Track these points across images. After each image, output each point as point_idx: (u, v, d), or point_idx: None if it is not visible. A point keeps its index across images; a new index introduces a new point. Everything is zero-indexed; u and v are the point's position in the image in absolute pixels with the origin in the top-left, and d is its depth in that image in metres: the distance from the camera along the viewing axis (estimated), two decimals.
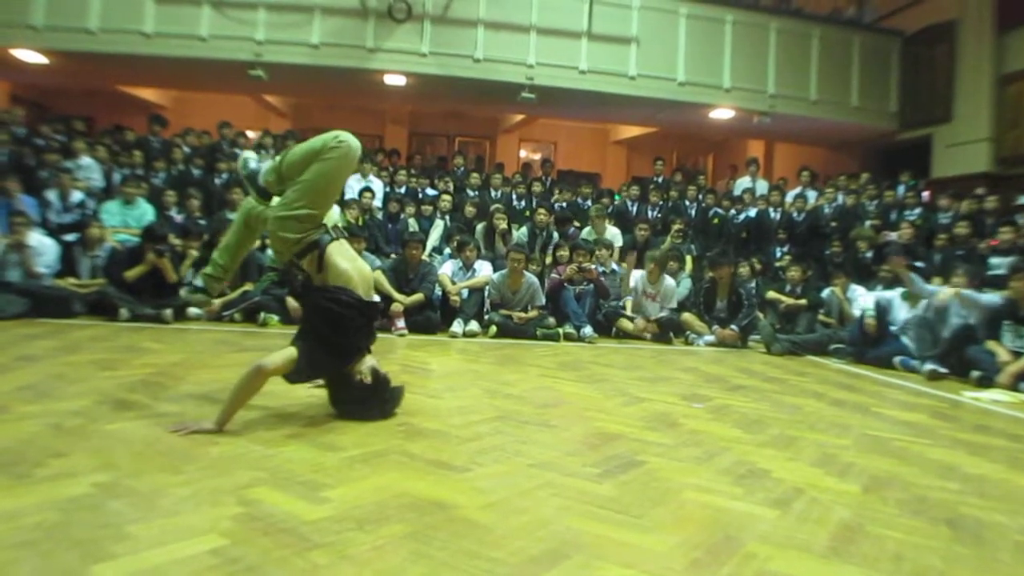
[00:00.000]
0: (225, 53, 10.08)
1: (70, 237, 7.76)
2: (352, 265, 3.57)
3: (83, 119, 11.03)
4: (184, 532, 2.09)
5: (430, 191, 10.16)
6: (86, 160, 9.05)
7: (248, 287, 7.38)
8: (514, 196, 10.30)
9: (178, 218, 8.56)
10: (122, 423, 3.25)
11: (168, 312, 6.81)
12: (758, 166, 12.28)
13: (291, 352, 3.32)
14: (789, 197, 10.60)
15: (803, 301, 7.70)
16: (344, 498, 2.43)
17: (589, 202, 10.25)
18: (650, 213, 10.26)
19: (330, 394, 3.67)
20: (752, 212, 10.60)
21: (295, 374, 3.34)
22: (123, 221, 8.18)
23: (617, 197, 10.91)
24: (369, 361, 3.59)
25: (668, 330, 7.60)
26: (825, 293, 7.84)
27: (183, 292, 6.87)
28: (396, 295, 7.13)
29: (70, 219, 8.12)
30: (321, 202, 3.57)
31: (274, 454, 2.88)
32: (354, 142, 3.52)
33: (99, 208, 8.34)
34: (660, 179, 11.55)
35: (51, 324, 6.33)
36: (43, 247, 7.23)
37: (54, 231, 7.86)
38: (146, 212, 8.37)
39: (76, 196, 8.31)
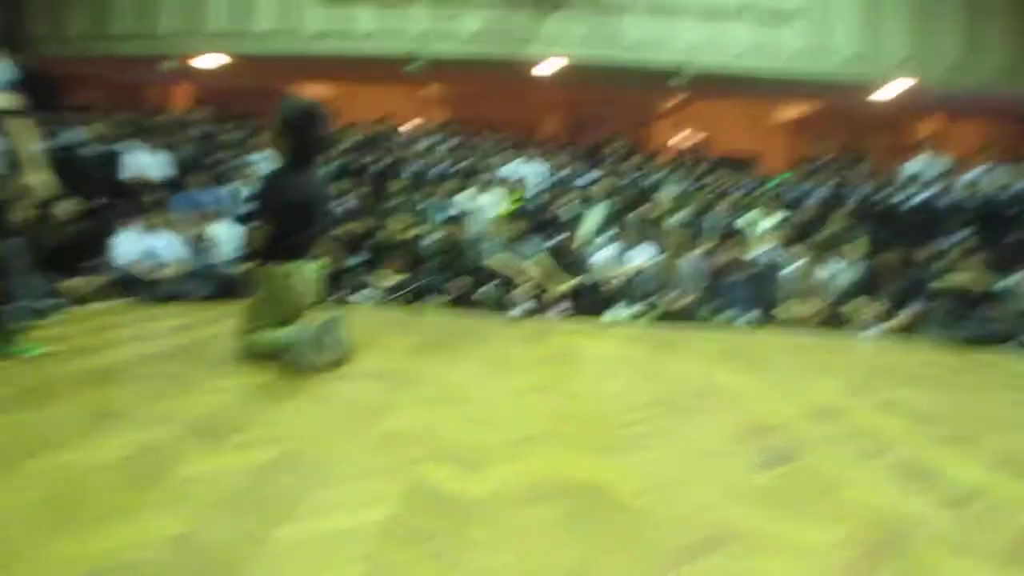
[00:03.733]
0: (384, 48, 10.44)
1: (250, 225, 8.26)
2: None
3: (259, 116, 11.68)
4: (356, 501, 2.22)
5: (587, 176, 10.14)
6: (261, 155, 9.61)
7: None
8: (672, 180, 10.13)
9: (344, 208, 8.93)
10: (301, 398, 3.48)
11: (336, 296, 7.14)
12: (932, 145, 11.50)
13: None
14: (967, 178, 9.88)
15: (982, 289, 7.16)
16: (503, 477, 2.49)
17: (749, 186, 9.95)
18: (813, 197, 9.84)
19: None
20: (925, 194, 9.94)
21: None
22: None
23: (777, 180, 10.52)
24: None
25: (834, 318, 7.27)
26: (1008, 281, 7.25)
27: None
28: (555, 279, 7.18)
29: (248, 210, 8.64)
30: None
31: (436, 432, 2.99)
32: None
33: None
34: (824, 161, 11.04)
35: (235, 306, 6.76)
36: (224, 236, 7.79)
37: (235, 220, 8.42)
38: None
39: (253, 188, 8.83)
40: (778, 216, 8.75)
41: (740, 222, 8.46)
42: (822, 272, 7.53)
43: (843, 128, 14.90)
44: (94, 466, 2.42)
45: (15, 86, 4.05)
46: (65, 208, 6.44)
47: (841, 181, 10.06)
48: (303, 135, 4.26)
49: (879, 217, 9.45)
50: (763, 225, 8.42)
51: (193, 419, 3.00)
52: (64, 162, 8.51)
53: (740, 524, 2.18)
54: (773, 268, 7.79)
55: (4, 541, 1.86)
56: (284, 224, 4.20)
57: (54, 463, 2.44)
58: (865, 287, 7.57)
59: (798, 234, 8.43)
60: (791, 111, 14.77)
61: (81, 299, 6.36)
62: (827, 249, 7.62)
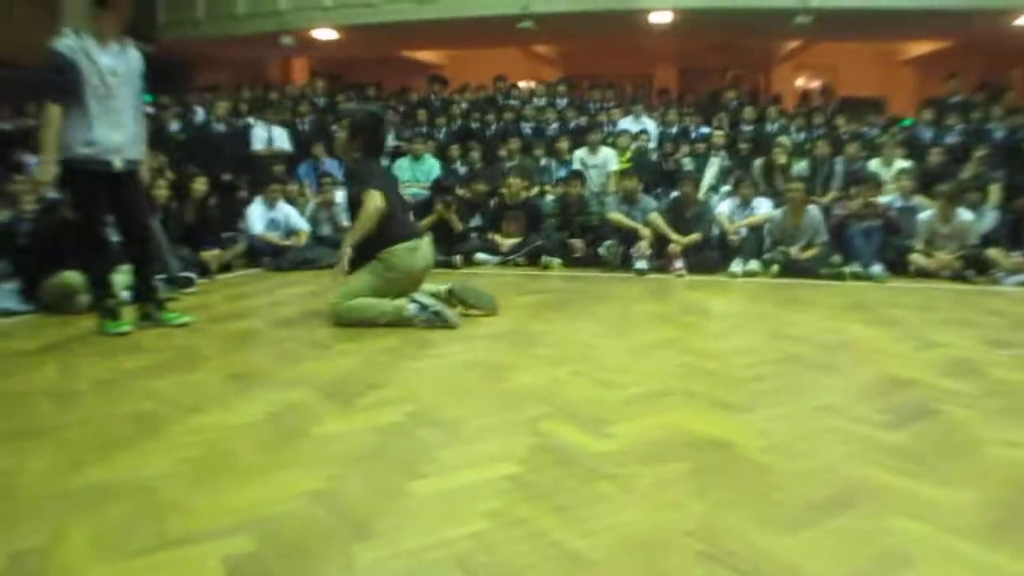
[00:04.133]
0: (494, 9, 10.41)
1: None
2: None
3: (373, 85, 11.92)
4: (483, 458, 2.27)
5: (703, 129, 9.89)
6: None
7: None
8: (792, 128, 9.75)
9: (462, 170, 9.05)
10: (425, 360, 3.57)
11: (458, 259, 7.27)
12: None
13: None
14: None
15: None
16: (628, 434, 2.49)
17: (876, 130, 9.46)
18: (947, 139, 9.25)
19: None
20: None
21: None
22: (413, 176, 8.80)
23: (908, 123, 9.94)
24: None
25: (970, 268, 6.85)
26: None
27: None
28: (673, 235, 7.06)
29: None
30: None
31: (560, 390, 3.01)
32: None
33: (392, 165, 9.02)
34: (958, 99, 10.35)
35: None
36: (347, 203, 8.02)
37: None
38: (433, 167, 8.94)
39: None
40: (907, 161, 8.29)
41: (867, 169, 8.06)
42: (956, 219, 7.09)
43: (978, 63, 13.89)
44: (237, 426, 2.57)
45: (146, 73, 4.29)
46: (199, 185, 6.78)
47: (977, 121, 9.40)
48: (373, 135, 4.66)
49: (1019, 159, 8.80)
50: (892, 171, 8.00)
51: (326, 381, 3.13)
52: (196, 140, 9.01)
53: (871, 482, 2.10)
54: (903, 216, 7.39)
55: (157, 497, 2.01)
56: (390, 206, 4.43)
57: (200, 424, 2.61)
58: (1004, 234, 7.09)
59: (930, 180, 7.96)
60: (920, 47, 13.86)
61: (217, 269, 6.70)
62: (961, 195, 7.17)
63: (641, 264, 6.89)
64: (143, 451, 2.35)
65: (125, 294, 4.64)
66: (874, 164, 8.18)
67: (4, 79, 9.73)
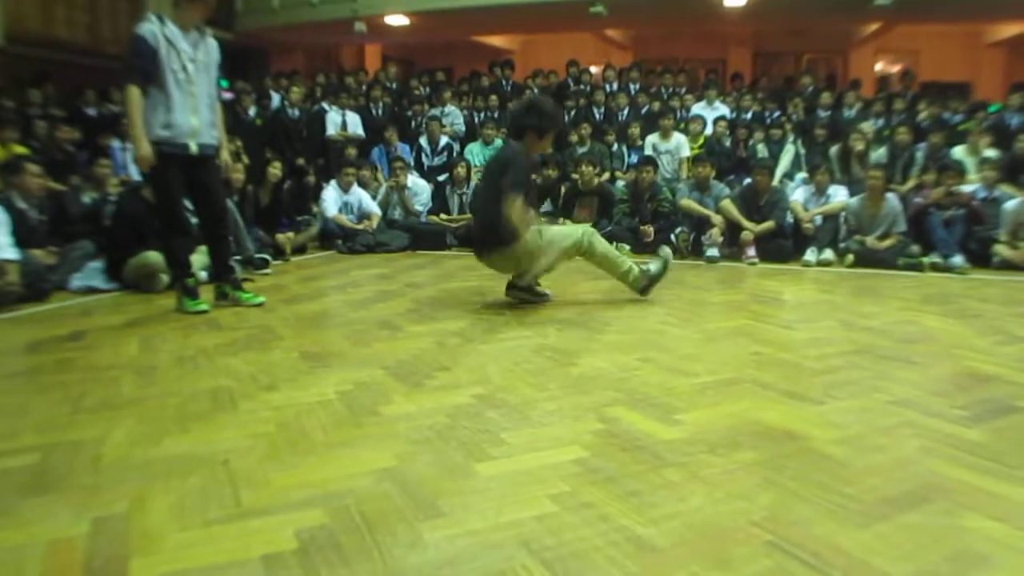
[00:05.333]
0: None
1: (441, 177, 8.60)
2: None
3: (444, 70, 12.00)
4: (551, 442, 2.28)
5: (778, 114, 9.69)
6: (450, 108, 9.89)
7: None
8: (871, 114, 9.48)
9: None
10: (494, 343, 3.59)
11: None
12: None
13: None
14: None
15: None
16: (697, 422, 2.47)
17: (960, 116, 9.12)
18: None
19: None
20: None
21: None
22: (484, 161, 8.82)
23: (995, 108, 9.57)
24: None
25: None
26: None
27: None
28: (746, 223, 6.94)
29: (439, 162, 8.97)
30: None
31: (629, 377, 3.00)
32: None
33: (463, 150, 9.08)
34: None
35: (429, 255, 7.10)
36: (418, 188, 8.15)
37: (426, 173, 8.76)
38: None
39: (443, 140, 9.14)
40: (993, 149, 7.98)
41: (950, 156, 7.78)
42: None
43: None
44: (309, 404, 2.64)
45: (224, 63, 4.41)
46: (274, 169, 6.92)
47: None
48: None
49: None
50: (976, 159, 7.72)
51: (396, 362, 3.19)
52: (272, 126, 9.20)
53: (948, 479, 2.03)
54: (987, 206, 7.13)
55: (233, 470, 2.08)
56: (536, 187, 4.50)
57: (274, 401, 2.68)
58: None
59: (1017, 168, 7.65)
60: (1009, 29, 13.29)
61: (291, 251, 6.86)
62: None
63: (713, 252, 6.80)
64: (219, 425, 2.43)
65: (203, 274, 4.78)
66: (959, 151, 7.89)
67: (89, 66, 10.09)
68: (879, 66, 15.25)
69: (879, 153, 8.08)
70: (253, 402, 2.66)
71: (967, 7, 11.04)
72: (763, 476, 2.04)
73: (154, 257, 4.97)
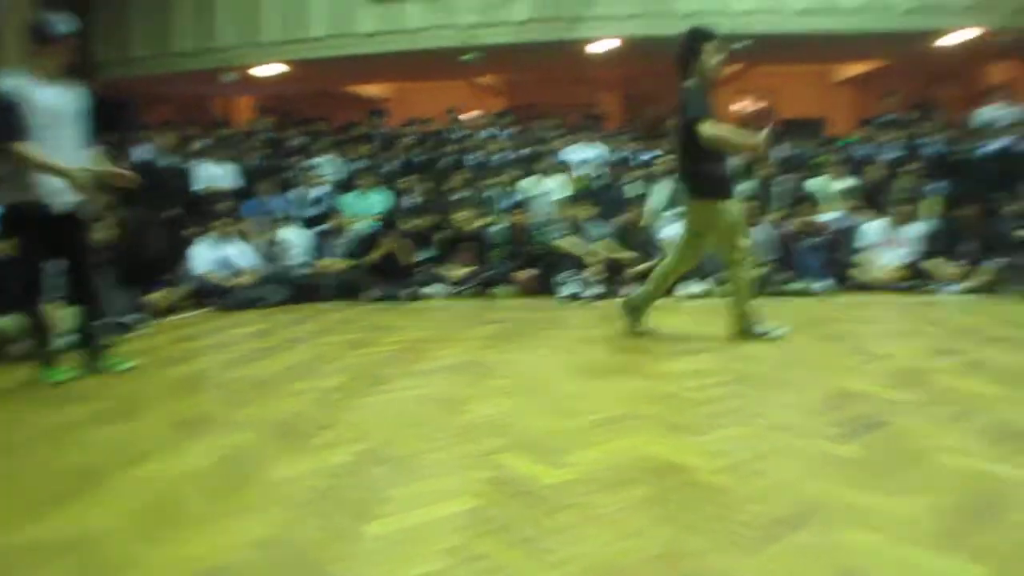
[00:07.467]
0: (437, 42, 10.45)
1: (317, 229, 8.46)
2: None
3: (322, 120, 11.87)
4: (440, 494, 2.24)
5: (650, 154, 10.00)
6: (324, 158, 9.75)
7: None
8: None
9: (409, 203, 9.00)
10: (378, 395, 3.52)
11: (409, 292, 7.22)
12: (1006, 91, 10.95)
13: None
14: None
15: None
16: (586, 462, 2.48)
17: (814, 150, 9.67)
18: (885, 154, 9.50)
19: None
20: (1001, 143, 9.49)
21: None
22: (361, 210, 8.74)
23: (846, 142, 10.19)
24: None
25: (913, 278, 7.02)
26: None
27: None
28: (624, 259, 7.10)
29: (316, 212, 8.81)
30: None
31: (516, 421, 2.99)
32: None
33: (339, 200, 8.96)
34: (893, 117, 10.66)
35: (308, 309, 6.92)
36: (295, 240, 7.95)
37: (303, 224, 8.59)
38: (379, 201, 8.88)
39: (319, 191, 8.99)
40: (848, 179, 8.50)
41: (810, 187, 8.23)
42: (897, 232, 7.29)
43: (910, 82, 14.33)
44: (184, 473, 2.50)
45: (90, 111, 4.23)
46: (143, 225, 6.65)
47: (912, 137, 9.70)
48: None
49: (955, 170, 9.08)
50: (834, 188, 8.19)
51: (276, 423, 3.07)
52: (142, 177, 8.83)
53: (828, 497, 2.12)
54: (847, 231, 7.57)
55: (102, 553, 1.93)
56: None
57: (146, 473, 2.53)
58: (943, 244, 7.29)
59: (870, 195, 8.17)
60: (855, 68, 14.29)
61: (163, 311, 6.56)
62: (901, 208, 7.38)
63: (591, 291, 6.91)
64: (86, 505, 2.27)
65: (64, 340, 4.51)
66: (816, 183, 8.36)
67: None
68: (742, 104, 16.02)
69: (746, 185, 8.45)
70: (122, 476, 2.49)
71: (816, 49, 11.79)
72: (655, 511, 2.06)
73: (6, 323, 4.65)
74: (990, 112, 10.08)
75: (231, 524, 2.08)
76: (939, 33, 10.16)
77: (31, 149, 3.84)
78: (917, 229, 7.41)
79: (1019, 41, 10.04)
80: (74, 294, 4.32)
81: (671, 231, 7.51)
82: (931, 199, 8.10)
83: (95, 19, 10.82)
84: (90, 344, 4.33)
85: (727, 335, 4.67)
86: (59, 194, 4.01)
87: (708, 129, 4.39)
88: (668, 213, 8.38)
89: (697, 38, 4.66)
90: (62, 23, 4.02)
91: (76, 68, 4.19)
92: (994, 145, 9.23)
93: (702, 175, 4.53)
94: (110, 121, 4.24)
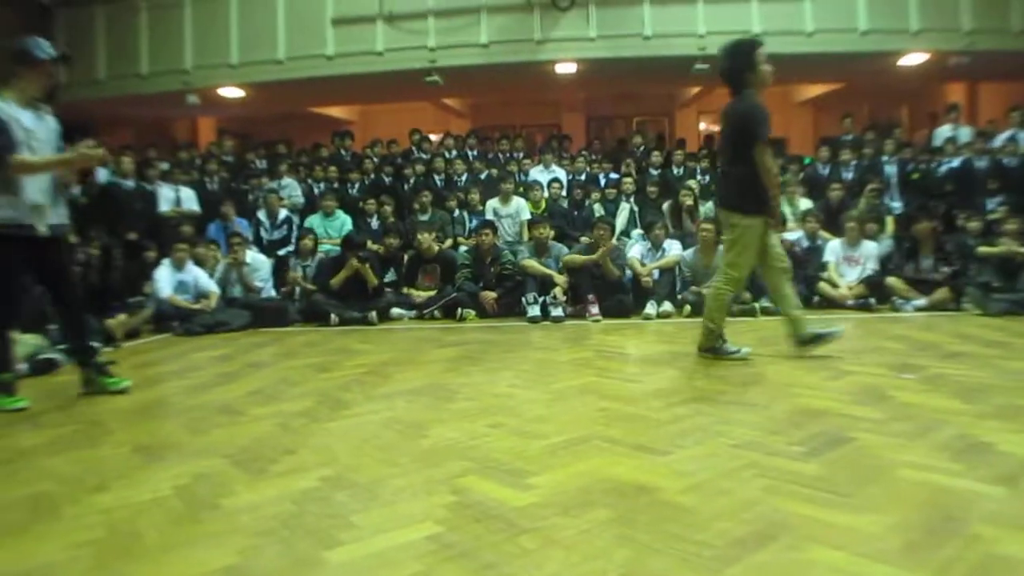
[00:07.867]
0: (400, 64, 10.47)
1: (281, 252, 8.41)
2: None
3: (284, 142, 11.82)
4: (403, 520, 2.22)
5: (612, 175, 10.09)
6: (287, 180, 9.70)
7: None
8: (698, 170, 10.03)
9: (374, 225, 8.99)
10: (341, 420, 3.50)
11: (373, 314, 7.19)
12: (959, 112, 11.22)
13: None
14: (998, 141, 9.63)
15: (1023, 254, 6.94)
16: (549, 484, 2.48)
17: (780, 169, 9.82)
18: (844, 174, 9.67)
19: None
20: (956, 162, 9.72)
21: None
22: (325, 232, 8.70)
23: (807, 161, 10.37)
24: None
25: (873, 295, 7.14)
26: None
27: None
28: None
29: (279, 235, 8.76)
30: None
31: (479, 444, 2.99)
32: None
33: (302, 223, 8.92)
34: (851, 137, 10.86)
35: (271, 333, 6.86)
36: (258, 263, 7.89)
37: (266, 247, 8.52)
38: (345, 222, 8.86)
39: (282, 214, 8.93)
40: (807, 199, 8.65)
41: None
42: (857, 250, 7.42)
43: (869, 103, 14.65)
44: (142, 503, 2.45)
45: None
46: (94, 250, 6.57)
47: (871, 156, 9.90)
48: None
49: (913, 187, 9.29)
50: (794, 208, 8.32)
51: (238, 449, 3.04)
52: (101, 201, 8.72)
53: (791, 515, 2.15)
54: (807, 250, 7.69)
55: None
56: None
57: (103, 503, 2.48)
58: (902, 261, 7.43)
59: (830, 213, 8.31)
60: (814, 90, 14.54)
61: (124, 336, 6.46)
62: (861, 226, 7.51)
63: (555, 311, 6.93)
64: (39, 537, 2.21)
65: (23, 367, 4.43)
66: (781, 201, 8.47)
67: None
68: (703, 125, 16.23)
69: (708, 207, 8.55)
70: (78, 506, 2.44)
71: (776, 70, 11.95)
72: (617, 533, 2.06)
73: None
74: (946, 131, 10.34)
75: (191, 554, 2.04)
76: (896, 55, 10.39)
77: (28, 157, 3.87)
78: (877, 247, 7.56)
79: (972, 63, 10.31)
80: (66, 316, 4.34)
81: (636, 250, 7.58)
82: (889, 217, 8.27)
83: (58, 41, 10.69)
84: (90, 363, 4.33)
85: (697, 351, 4.76)
86: (43, 216, 4.00)
87: (768, 158, 4.47)
88: (633, 232, 8.47)
89: (750, 47, 4.76)
90: (44, 48, 4.03)
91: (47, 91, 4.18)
92: (953, 162, 9.47)
93: (757, 190, 4.50)
94: (69, 143, 4.23)
